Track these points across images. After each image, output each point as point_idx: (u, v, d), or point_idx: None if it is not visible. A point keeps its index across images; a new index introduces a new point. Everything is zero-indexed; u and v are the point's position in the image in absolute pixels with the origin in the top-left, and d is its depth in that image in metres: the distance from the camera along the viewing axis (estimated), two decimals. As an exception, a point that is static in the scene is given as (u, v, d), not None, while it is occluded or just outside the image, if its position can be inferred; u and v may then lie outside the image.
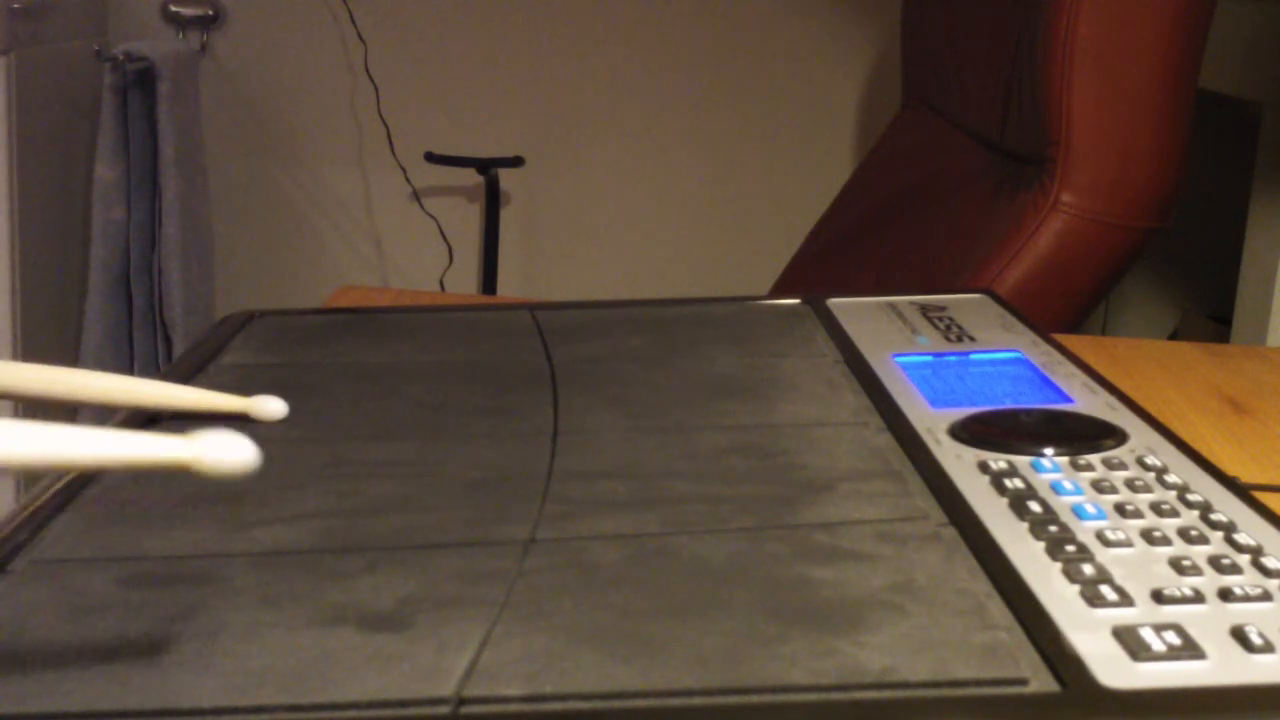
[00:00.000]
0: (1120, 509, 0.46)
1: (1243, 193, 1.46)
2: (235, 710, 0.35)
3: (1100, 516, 0.46)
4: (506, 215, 2.16)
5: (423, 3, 2.09)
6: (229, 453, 0.38)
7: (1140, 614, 0.39)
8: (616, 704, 0.35)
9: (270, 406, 0.58)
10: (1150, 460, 0.51)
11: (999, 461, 0.51)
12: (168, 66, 1.84)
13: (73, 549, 0.46)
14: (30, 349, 1.75)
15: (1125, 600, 0.40)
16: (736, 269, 2.18)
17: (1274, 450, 0.68)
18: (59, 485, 0.51)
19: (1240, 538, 0.44)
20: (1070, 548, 0.43)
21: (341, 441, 0.56)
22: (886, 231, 1.52)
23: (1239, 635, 0.38)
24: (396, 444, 0.55)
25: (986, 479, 0.49)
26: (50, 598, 0.42)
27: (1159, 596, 0.40)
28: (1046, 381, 0.61)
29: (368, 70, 2.09)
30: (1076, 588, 0.41)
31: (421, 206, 2.16)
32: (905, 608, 0.40)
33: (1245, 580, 0.41)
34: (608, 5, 2.10)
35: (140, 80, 1.84)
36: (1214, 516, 0.46)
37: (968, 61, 1.46)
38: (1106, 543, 0.44)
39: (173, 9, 2.07)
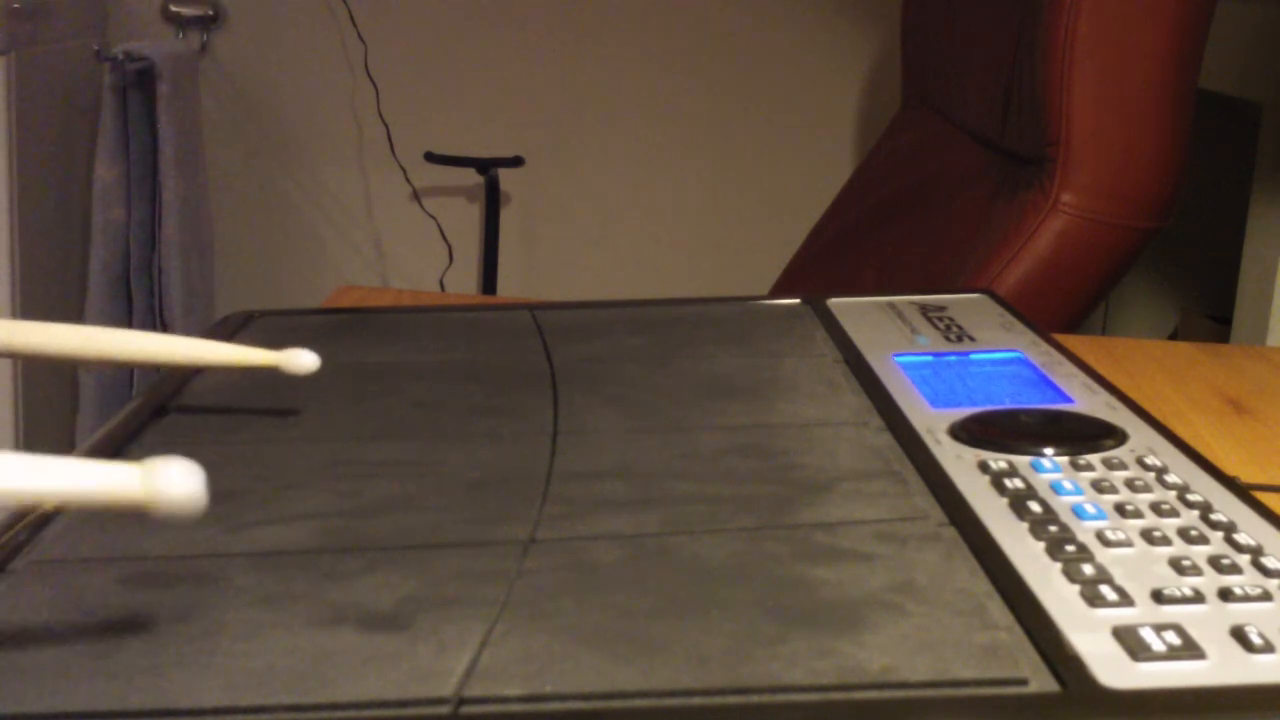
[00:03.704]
0: (1120, 509, 0.46)
1: (1243, 193, 1.46)
2: (235, 710, 0.35)
3: (1100, 516, 0.46)
4: (506, 215, 2.16)
5: (423, 3, 2.09)
6: (179, 487, 0.37)
7: (1140, 614, 0.39)
8: (616, 704, 0.35)
9: (302, 360, 0.57)
10: (1150, 460, 0.51)
11: (999, 461, 0.51)
12: (168, 66, 1.84)
13: (73, 549, 0.46)
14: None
15: (1125, 600, 0.40)
16: (736, 269, 2.18)
17: (1274, 450, 0.68)
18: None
19: (1240, 538, 0.44)
20: (1070, 548, 0.43)
21: (341, 441, 0.56)
22: (886, 231, 1.52)
23: (1239, 635, 0.38)
24: (396, 444, 0.55)
25: (986, 479, 0.49)
26: (50, 598, 0.42)
27: (1159, 596, 0.40)
28: (1046, 381, 0.61)
29: (368, 70, 2.09)
30: (1076, 588, 0.41)
31: (421, 206, 2.16)
32: (905, 608, 0.40)
33: (1245, 580, 0.41)
34: (607, 6, 2.10)
35: (140, 80, 1.84)
36: (1214, 516, 0.46)
37: (968, 61, 1.46)
38: (1106, 543, 0.44)
39: (173, 9, 2.07)
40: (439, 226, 2.16)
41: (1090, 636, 0.38)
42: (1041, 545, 0.44)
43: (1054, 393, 0.59)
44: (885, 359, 0.64)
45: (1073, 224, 1.20)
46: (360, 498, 0.50)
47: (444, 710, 0.35)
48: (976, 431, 0.54)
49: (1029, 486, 0.48)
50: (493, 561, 0.44)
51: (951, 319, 0.72)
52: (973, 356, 0.65)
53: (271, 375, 0.65)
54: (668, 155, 2.15)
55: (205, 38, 2.08)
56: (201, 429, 0.58)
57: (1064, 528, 0.45)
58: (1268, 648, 0.37)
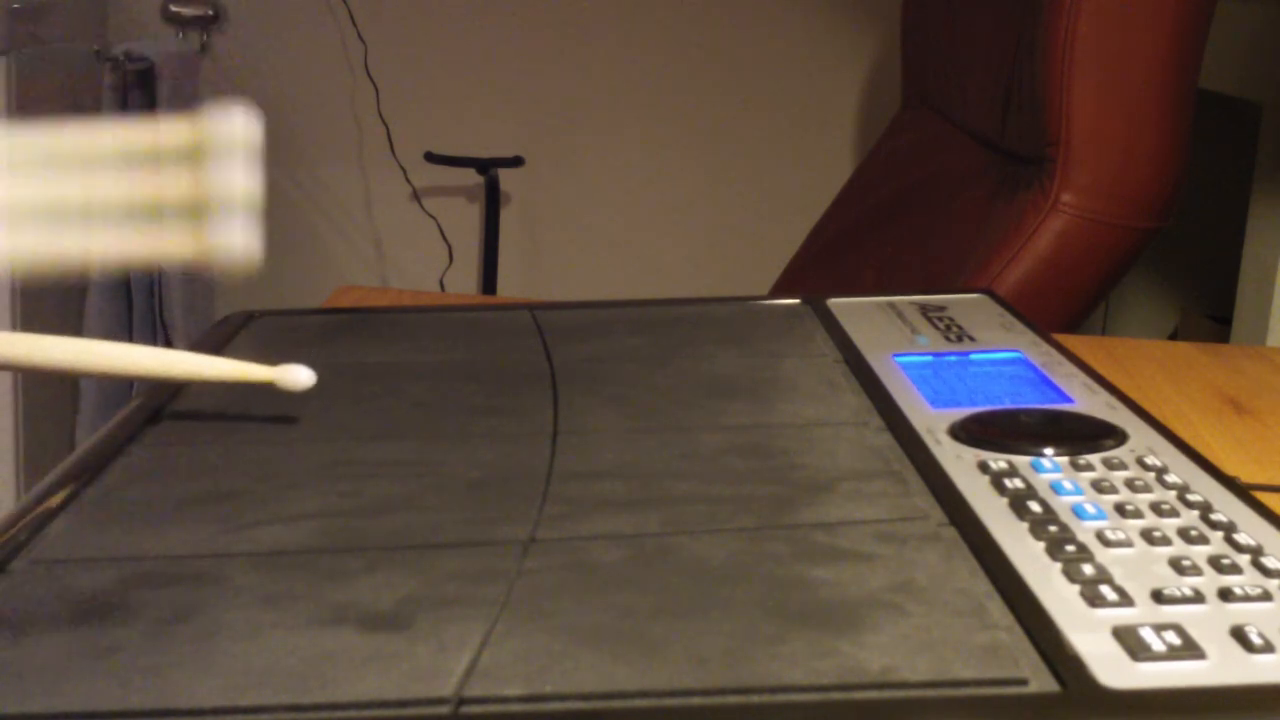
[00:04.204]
0: (1120, 509, 0.46)
1: (1243, 193, 1.46)
2: (235, 710, 0.35)
3: (1100, 516, 0.46)
4: (506, 215, 2.16)
5: (423, 3, 2.09)
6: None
7: (1140, 614, 0.39)
8: (616, 704, 0.35)
9: (297, 376, 0.57)
10: (1150, 460, 0.51)
11: (999, 461, 0.51)
12: (168, 66, 1.84)
13: (73, 549, 0.46)
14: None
15: (1125, 600, 0.40)
16: (736, 269, 2.18)
17: (1274, 450, 0.68)
18: (59, 485, 0.51)
19: (1240, 538, 0.44)
20: (1070, 548, 0.43)
21: (341, 441, 0.56)
22: (886, 231, 1.52)
23: (1239, 635, 0.38)
24: (396, 444, 0.55)
25: (986, 479, 0.49)
26: (50, 598, 0.42)
27: (1159, 596, 0.40)
28: (1046, 381, 0.61)
29: (368, 70, 2.09)
30: (1076, 588, 0.41)
31: (421, 206, 2.16)
32: (905, 608, 0.40)
33: (1245, 580, 0.41)
34: (608, 5, 2.10)
35: (140, 80, 1.84)
36: (1214, 516, 0.46)
37: (968, 61, 1.46)
38: (1106, 543, 0.44)
39: (173, 9, 2.07)
40: (439, 226, 2.16)
41: (1090, 636, 0.38)
42: (1041, 545, 0.44)
43: (1054, 393, 0.59)
44: (885, 359, 0.64)
45: (1073, 224, 1.20)
46: (360, 498, 0.50)
47: (444, 710, 0.35)
48: (976, 431, 0.54)
49: (1029, 486, 0.48)
50: (493, 561, 0.44)
51: (951, 319, 0.72)
52: (973, 356, 0.65)
53: (271, 375, 0.65)
54: (668, 155, 2.15)
55: (205, 38, 2.08)
56: (201, 429, 0.58)
57: (1064, 528, 0.45)
58: (1268, 648, 0.37)
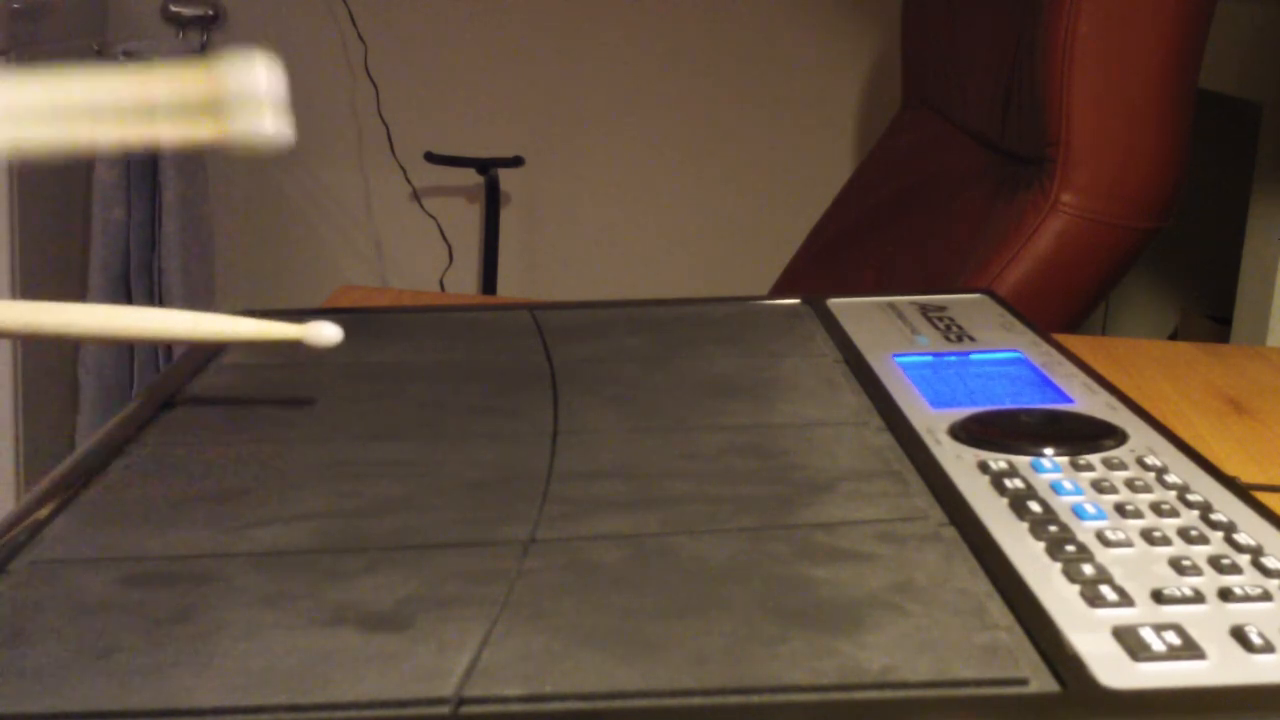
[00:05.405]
0: (1120, 509, 0.46)
1: (1243, 193, 1.46)
2: (235, 710, 0.35)
3: (1100, 516, 0.46)
4: (506, 215, 2.16)
5: (423, 3, 2.09)
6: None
7: (1140, 614, 0.39)
8: (616, 704, 0.35)
9: (324, 332, 0.57)
10: (1150, 460, 0.51)
11: (999, 461, 0.51)
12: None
13: (73, 549, 0.46)
14: (31, 346, 1.75)
15: (1125, 600, 0.40)
16: (736, 269, 2.18)
17: (1274, 450, 0.68)
18: (59, 485, 0.51)
19: (1240, 538, 0.44)
20: (1070, 548, 0.43)
21: (341, 441, 0.56)
22: (886, 231, 1.52)
23: (1239, 635, 0.38)
24: (396, 444, 0.55)
25: (986, 479, 0.49)
26: (50, 598, 0.42)
27: (1159, 596, 0.40)
28: (1046, 381, 0.61)
29: (368, 70, 2.09)
30: (1076, 588, 0.41)
31: (421, 206, 2.16)
32: (905, 608, 0.40)
33: (1245, 580, 0.41)
34: (608, 6, 2.10)
35: (140, 80, 1.83)
36: (1214, 516, 0.46)
37: (968, 61, 1.46)
38: (1106, 543, 0.44)
39: (173, 9, 2.07)
40: (439, 226, 2.16)
41: (1090, 636, 0.38)
42: (1041, 545, 0.44)
43: (1054, 393, 0.59)
44: (885, 359, 0.64)
45: (1073, 224, 1.20)
46: (360, 498, 0.50)
47: (444, 710, 0.35)
48: (976, 431, 0.54)
49: (1029, 486, 0.48)
50: (493, 561, 0.44)
51: (951, 319, 0.72)
52: (973, 356, 0.65)
53: (272, 376, 0.65)
54: (668, 155, 2.15)
55: (205, 38, 2.08)
56: (202, 428, 0.58)
57: (1064, 528, 0.45)
58: (1268, 648, 0.37)
